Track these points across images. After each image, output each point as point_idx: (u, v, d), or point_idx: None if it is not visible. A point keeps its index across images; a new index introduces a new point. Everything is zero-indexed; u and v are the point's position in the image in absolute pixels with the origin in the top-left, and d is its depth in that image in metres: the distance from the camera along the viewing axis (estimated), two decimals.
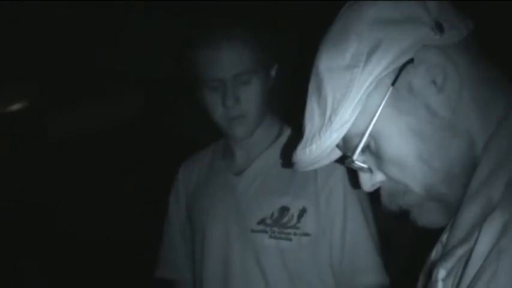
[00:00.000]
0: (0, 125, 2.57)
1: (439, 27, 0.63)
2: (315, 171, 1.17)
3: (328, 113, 0.65)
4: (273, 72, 1.35)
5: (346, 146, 0.69)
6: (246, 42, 1.24)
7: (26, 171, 2.61)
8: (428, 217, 0.69)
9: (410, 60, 0.63)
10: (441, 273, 0.59)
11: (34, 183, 2.62)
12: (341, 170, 1.24)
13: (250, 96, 1.26)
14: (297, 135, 1.34)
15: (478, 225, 0.55)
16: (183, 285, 1.46)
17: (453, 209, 0.65)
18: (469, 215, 0.59)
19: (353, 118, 0.64)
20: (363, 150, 0.67)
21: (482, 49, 0.67)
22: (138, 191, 2.88)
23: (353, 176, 1.27)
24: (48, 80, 2.54)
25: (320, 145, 0.67)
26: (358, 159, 0.68)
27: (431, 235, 0.71)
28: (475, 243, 0.54)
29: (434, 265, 0.64)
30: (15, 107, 2.65)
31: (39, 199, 2.63)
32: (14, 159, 2.62)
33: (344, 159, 0.71)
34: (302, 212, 1.25)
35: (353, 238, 1.25)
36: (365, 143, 0.66)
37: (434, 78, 0.63)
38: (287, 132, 1.37)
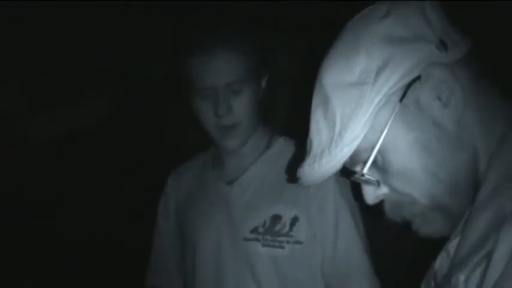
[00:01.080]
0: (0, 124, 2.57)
1: (443, 45, 0.66)
2: None
3: (337, 128, 0.67)
4: (264, 82, 1.36)
5: (353, 161, 0.71)
6: (239, 51, 1.24)
7: (26, 171, 2.61)
8: (430, 227, 0.71)
9: (418, 77, 0.65)
10: (460, 278, 0.61)
11: (34, 183, 2.62)
12: (332, 179, 1.25)
13: (242, 106, 1.26)
14: (287, 145, 1.37)
15: (492, 232, 0.58)
16: None
17: (455, 219, 0.68)
18: (480, 223, 0.62)
19: (363, 133, 0.66)
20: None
21: (481, 65, 0.70)
22: (138, 191, 2.88)
23: (345, 184, 1.29)
24: (47, 79, 2.54)
25: (330, 160, 0.68)
26: (367, 173, 0.69)
27: (432, 241, 0.73)
28: (493, 250, 0.56)
29: (437, 272, 0.68)
30: (15, 105, 2.65)
31: (39, 199, 2.63)
32: (13, 159, 2.62)
33: (348, 173, 0.73)
34: (294, 220, 1.27)
35: (345, 245, 1.27)
36: (373, 157, 0.68)
37: (439, 94, 0.66)
38: (278, 141, 1.39)
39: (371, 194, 0.73)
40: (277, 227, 1.27)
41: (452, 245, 0.69)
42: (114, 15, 2.30)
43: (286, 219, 1.28)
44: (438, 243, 0.74)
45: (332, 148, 0.68)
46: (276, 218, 1.28)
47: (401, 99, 0.66)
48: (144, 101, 2.93)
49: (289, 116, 1.47)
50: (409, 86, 0.66)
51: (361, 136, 0.66)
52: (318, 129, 0.71)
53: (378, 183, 0.71)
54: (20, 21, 2.17)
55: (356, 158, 0.70)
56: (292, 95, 2.31)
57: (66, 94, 2.63)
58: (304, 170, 0.73)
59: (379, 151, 0.68)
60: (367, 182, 0.71)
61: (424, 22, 0.67)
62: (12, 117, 2.55)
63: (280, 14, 2.38)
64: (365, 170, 0.69)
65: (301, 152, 1.32)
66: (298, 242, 1.27)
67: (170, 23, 2.41)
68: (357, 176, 0.71)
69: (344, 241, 1.28)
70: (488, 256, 0.57)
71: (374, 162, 0.69)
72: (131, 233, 2.79)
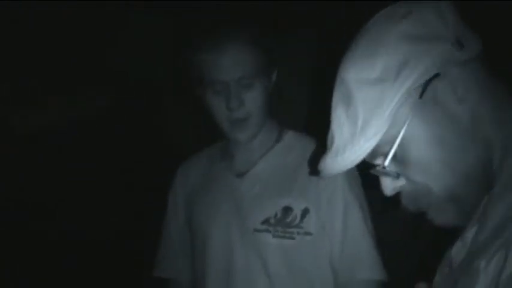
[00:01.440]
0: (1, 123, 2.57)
1: (459, 44, 0.70)
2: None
3: (359, 123, 0.71)
4: (273, 77, 1.38)
5: (374, 154, 0.74)
6: (250, 46, 1.27)
7: (26, 171, 2.61)
8: (444, 217, 0.75)
9: (436, 75, 0.69)
10: (482, 263, 0.64)
11: (34, 183, 2.62)
12: (341, 173, 1.26)
13: (253, 100, 1.29)
14: (297, 139, 1.41)
15: (508, 222, 0.63)
16: (181, 284, 1.50)
17: (467, 210, 0.73)
18: (498, 212, 0.66)
19: (385, 128, 0.69)
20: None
21: (492, 63, 0.74)
22: (138, 191, 2.88)
23: (354, 178, 1.30)
24: (47, 79, 2.54)
25: (353, 153, 0.72)
26: (387, 166, 0.73)
27: (443, 233, 0.77)
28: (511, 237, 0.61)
29: (453, 260, 0.73)
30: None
31: (39, 199, 2.63)
32: (13, 159, 2.61)
33: (367, 166, 0.76)
34: (305, 212, 1.30)
35: (353, 236, 1.30)
36: (394, 150, 0.72)
37: (456, 91, 0.71)
38: (287, 135, 1.42)
39: (389, 186, 0.76)
40: (289, 219, 1.30)
41: (468, 235, 0.72)
42: (114, 15, 2.30)
43: (297, 211, 1.31)
44: (449, 235, 0.77)
45: (355, 142, 0.71)
46: (287, 210, 1.31)
47: (420, 96, 0.70)
48: (144, 101, 2.93)
49: (295, 110, 1.49)
50: (427, 83, 0.69)
51: (383, 131, 0.69)
52: (340, 124, 0.74)
53: (397, 175, 0.75)
54: (21, 20, 2.17)
55: (377, 152, 0.73)
56: (297, 90, 2.31)
57: (66, 94, 2.63)
58: (327, 162, 0.76)
59: (399, 144, 0.71)
60: (387, 174, 0.75)
61: (442, 22, 0.71)
62: (11, 117, 2.55)
63: (281, 13, 2.39)
64: (386, 163, 0.72)
65: (312, 146, 1.34)
66: (308, 234, 1.30)
67: (170, 23, 2.42)
68: (377, 168, 0.74)
69: (352, 233, 1.31)
70: (507, 243, 0.61)
71: (394, 155, 0.73)
72: (131, 233, 2.79)
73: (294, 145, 1.40)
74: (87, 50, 2.44)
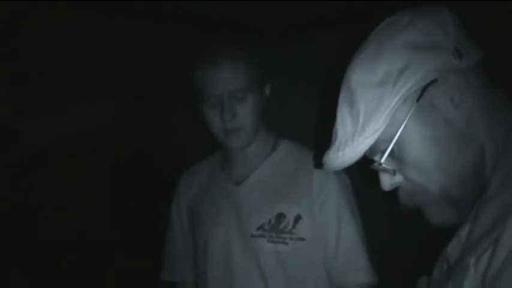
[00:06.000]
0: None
1: (458, 53, 0.74)
2: (310, 180, 1.38)
3: (361, 121, 0.76)
4: (267, 90, 1.46)
5: (373, 151, 0.79)
6: (242, 60, 1.35)
7: (26, 172, 2.62)
8: (440, 216, 0.80)
9: (434, 81, 0.74)
10: (471, 261, 0.70)
11: (33, 184, 2.63)
12: (334, 179, 1.38)
13: (245, 112, 1.37)
14: (291, 148, 1.46)
15: (499, 222, 0.67)
16: (186, 286, 1.59)
17: (462, 210, 0.78)
18: (489, 213, 0.71)
19: (383, 128, 0.74)
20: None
21: (490, 71, 0.79)
22: (138, 192, 2.89)
23: (345, 186, 1.38)
24: (47, 81, 2.54)
25: (353, 149, 0.77)
26: (384, 162, 0.78)
27: (439, 233, 0.82)
28: (500, 237, 0.65)
29: (449, 256, 0.78)
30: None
31: (38, 200, 2.63)
32: (14, 161, 2.62)
33: (368, 162, 0.81)
34: (297, 219, 1.38)
35: (346, 241, 1.38)
36: (391, 148, 0.77)
37: (452, 97, 0.75)
38: (282, 145, 1.50)
39: (387, 181, 0.81)
40: (282, 225, 1.38)
41: (463, 232, 0.78)
42: (114, 16, 2.30)
43: (290, 217, 1.37)
44: (447, 232, 0.82)
45: (355, 139, 0.76)
46: (281, 216, 1.38)
47: (418, 100, 0.74)
48: (145, 102, 2.94)
49: (283, 131, 1.56)
50: (425, 88, 0.74)
51: (381, 130, 0.74)
52: (343, 122, 0.79)
53: (394, 172, 0.80)
54: (22, 22, 2.17)
55: (376, 149, 0.78)
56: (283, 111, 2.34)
57: (66, 96, 2.63)
58: (329, 157, 0.81)
59: (397, 143, 0.76)
60: (384, 170, 0.80)
61: (442, 32, 0.75)
62: (13, 120, 2.55)
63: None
64: (383, 160, 0.78)
65: (306, 155, 1.41)
66: (300, 239, 1.37)
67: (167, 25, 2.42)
68: (375, 164, 0.79)
69: (345, 238, 1.37)
70: (495, 242, 0.65)
71: (391, 153, 0.78)
72: (131, 233, 2.81)
73: (289, 154, 1.48)
74: (88, 52, 2.44)
